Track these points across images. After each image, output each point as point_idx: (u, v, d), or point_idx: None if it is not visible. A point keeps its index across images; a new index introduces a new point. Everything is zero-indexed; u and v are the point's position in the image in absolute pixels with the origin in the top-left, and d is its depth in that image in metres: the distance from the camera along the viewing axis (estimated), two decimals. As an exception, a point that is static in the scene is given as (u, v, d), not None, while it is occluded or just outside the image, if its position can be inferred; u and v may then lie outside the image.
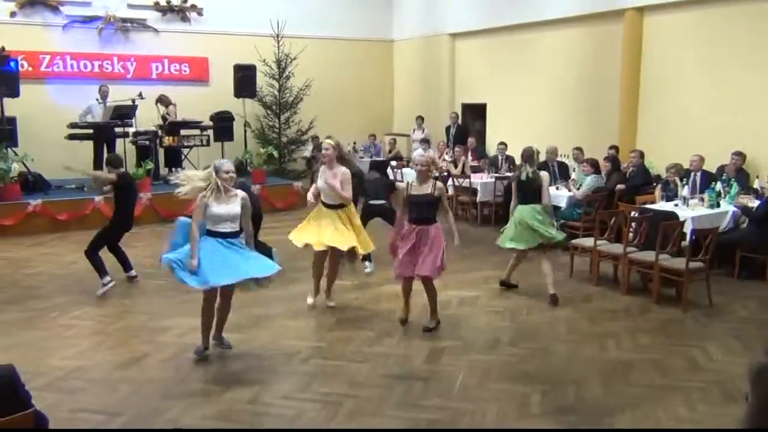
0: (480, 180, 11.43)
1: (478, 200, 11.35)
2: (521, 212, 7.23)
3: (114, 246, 7.86)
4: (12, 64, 11.56)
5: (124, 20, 13.94)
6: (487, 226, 11.30)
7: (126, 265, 7.97)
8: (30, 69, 13.03)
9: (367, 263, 8.34)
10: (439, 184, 6.24)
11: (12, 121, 11.78)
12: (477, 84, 14.66)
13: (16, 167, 10.92)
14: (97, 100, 12.35)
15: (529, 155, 7.30)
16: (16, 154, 11.26)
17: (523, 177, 7.25)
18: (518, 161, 8.05)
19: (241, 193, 5.51)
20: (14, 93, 11.49)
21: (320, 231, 6.62)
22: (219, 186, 5.41)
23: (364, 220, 7.83)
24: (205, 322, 5.69)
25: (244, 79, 14.00)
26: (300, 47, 14.89)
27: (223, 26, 14.85)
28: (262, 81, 14.78)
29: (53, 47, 13.40)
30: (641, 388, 5.18)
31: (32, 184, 11.32)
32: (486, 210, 11.64)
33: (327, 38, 15.96)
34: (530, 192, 7.20)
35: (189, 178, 5.55)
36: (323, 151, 6.69)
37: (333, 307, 6.98)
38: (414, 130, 15.13)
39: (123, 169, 7.73)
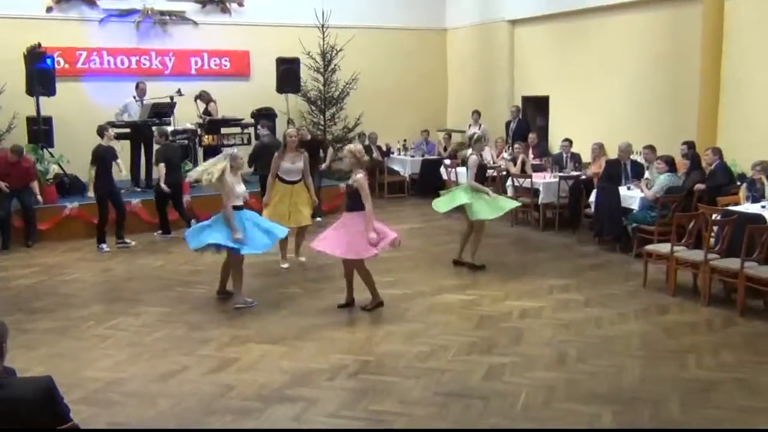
0: (542, 180, 11.30)
1: (540, 202, 11.23)
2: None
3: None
4: (48, 61, 11.93)
5: (162, 13, 14.26)
6: (551, 230, 11.19)
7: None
8: (66, 66, 13.41)
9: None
10: (360, 175, 7.04)
11: (48, 120, 12.18)
12: (538, 75, 14.51)
13: (53, 168, 11.29)
14: (134, 97, 12.65)
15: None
16: (52, 155, 11.63)
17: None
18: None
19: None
20: (50, 91, 11.88)
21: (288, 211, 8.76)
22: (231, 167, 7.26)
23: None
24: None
25: (287, 73, 14.16)
26: (346, 38, 14.97)
27: (265, 17, 15.04)
28: (306, 75, 14.93)
29: (90, 43, 13.78)
30: (725, 410, 5.04)
31: (68, 186, 11.68)
32: (549, 213, 11.51)
33: (375, 28, 16.01)
34: None
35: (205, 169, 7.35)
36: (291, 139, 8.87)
37: (304, 262, 9.14)
38: (470, 126, 15.05)
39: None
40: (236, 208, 7.28)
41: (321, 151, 12.09)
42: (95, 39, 13.83)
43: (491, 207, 8.78)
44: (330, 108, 15.34)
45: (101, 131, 10.42)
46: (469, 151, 9.25)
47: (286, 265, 9.13)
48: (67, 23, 13.59)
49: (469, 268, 8.88)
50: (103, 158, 10.12)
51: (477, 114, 15.03)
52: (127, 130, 12.34)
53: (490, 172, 12.33)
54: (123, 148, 12.08)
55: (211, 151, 13.00)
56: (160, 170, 10.54)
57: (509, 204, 9.05)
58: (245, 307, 7.40)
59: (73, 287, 8.42)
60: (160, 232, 10.97)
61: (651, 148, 10.31)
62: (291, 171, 8.96)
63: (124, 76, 13.77)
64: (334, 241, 7.09)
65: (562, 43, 13.85)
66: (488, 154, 13.39)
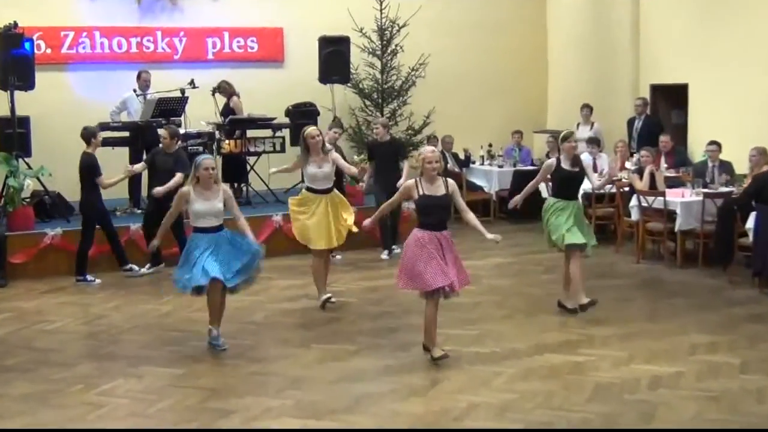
0: (680, 198, 11.15)
1: (677, 229, 11.06)
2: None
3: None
4: (26, 45, 12.27)
5: (172, -18, 14.63)
6: (692, 267, 11.03)
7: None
8: (48, 51, 13.85)
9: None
10: (451, 181, 7.70)
11: (25, 122, 12.54)
12: (673, 56, 14.34)
13: (29, 184, 11.61)
14: (135, 91, 12.98)
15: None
16: (29, 167, 11.98)
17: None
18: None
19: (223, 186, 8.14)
20: (28, 84, 12.24)
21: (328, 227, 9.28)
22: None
23: None
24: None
25: (334, 57, 14.35)
26: (412, 10, 15.09)
27: (305, -16, 15.32)
28: (358, 59, 15.11)
29: (78, 21, 14.20)
30: None
31: (49, 207, 12.02)
32: (690, 243, 11.32)
33: (450, -5, 16.16)
34: None
35: None
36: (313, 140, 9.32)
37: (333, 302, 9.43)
38: (578, 125, 14.95)
39: None
40: (200, 230, 7.92)
41: (399, 159, 12.25)
42: (85, 16, 14.25)
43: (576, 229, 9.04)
44: (390, 103, 15.45)
45: (89, 136, 10.79)
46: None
47: (328, 296, 9.50)
48: (51, -5, 14.05)
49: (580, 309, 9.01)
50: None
51: (588, 109, 14.93)
52: (126, 133, 12.65)
53: (607, 187, 12.24)
54: (117, 156, 12.33)
55: (234, 161, 13.27)
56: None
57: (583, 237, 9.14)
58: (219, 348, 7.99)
59: (56, 339, 8.59)
60: (148, 265, 11.19)
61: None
62: (317, 177, 9.37)
63: (122, 64, 14.16)
64: (462, 270, 7.68)
65: (706, 12, 13.68)
66: (605, 163, 13.30)
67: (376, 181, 11.93)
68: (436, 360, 7.54)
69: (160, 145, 11.08)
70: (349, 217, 9.54)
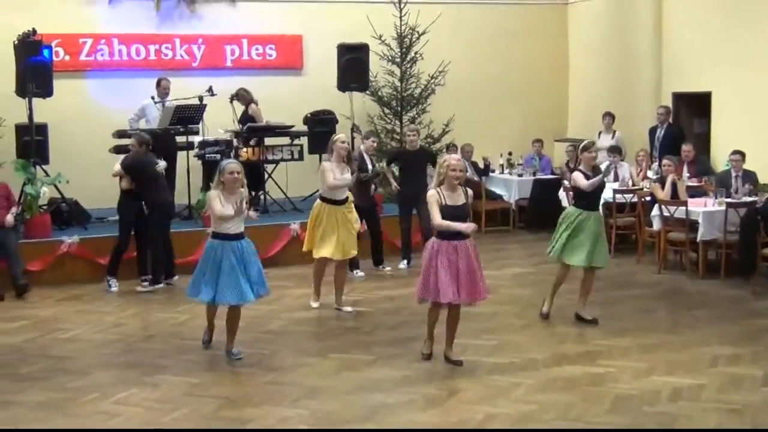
0: (702, 208, 11.11)
1: (699, 239, 11.01)
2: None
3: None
4: (45, 52, 12.37)
5: (190, -11, 14.72)
6: (714, 278, 10.99)
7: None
8: (67, 58, 13.98)
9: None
10: (469, 190, 7.83)
11: (43, 129, 12.64)
12: (697, 63, 14.28)
13: (46, 192, 11.68)
14: (153, 98, 13.04)
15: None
16: (46, 174, 12.07)
17: None
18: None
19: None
20: (47, 92, 12.31)
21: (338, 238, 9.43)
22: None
23: None
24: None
25: (353, 65, 14.37)
26: (431, 17, 15.11)
27: (324, -9, 15.38)
28: (377, 67, 15.14)
29: (97, 28, 14.32)
30: None
31: (66, 215, 12.09)
32: (712, 254, 11.27)
33: (470, 3, 16.14)
34: None
35: None
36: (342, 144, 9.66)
37: (349, 312, 9.65)
38: (600, 134, 14.91)
39: None
40: (220, 237, 7.88)
41: (431, 166, 12.18)
42: (104, 23, 14.37)
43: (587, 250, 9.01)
44: (409, 111, 15.46)
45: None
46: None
47: (316, 305, 9.87)
48: (69, 3, 14.15)
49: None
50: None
51: (610, 117, 14.87)
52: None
53: (628, 197, 12.22)
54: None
55: (252, 168, 13.31)
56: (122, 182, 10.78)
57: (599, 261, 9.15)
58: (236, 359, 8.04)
59: (72, 348, 8.65)
60: (144, 281, 10.94)
61: None
62: (338, 188, 9.54)
63: (140, 71, 14.26)
64: (476, 283, 7.63)
65: (730, 19, 13.62)
66: (626, 172, 13.26)
67: (404, 190, 11.89)
68: (424, 354, 7.92)
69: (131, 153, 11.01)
70: (353, 233, 9.70)
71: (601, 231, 9.09)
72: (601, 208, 11.90)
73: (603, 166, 10.25)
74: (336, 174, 9.50)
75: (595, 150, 9.26)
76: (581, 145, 9.33)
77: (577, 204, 9.12)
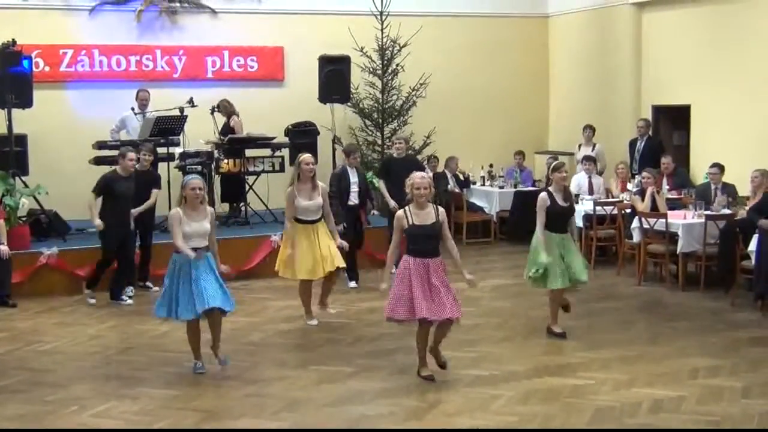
0: (681, 220, 11.16)
1: (679, 251, 11.07)
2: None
3: None
4: (25, 63, 12.34)
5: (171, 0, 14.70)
6: (694, 289, 11.02)
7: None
8: (47, 69, 13.92)
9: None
10: (441, 209, 7.76)
11: (22, 140, 12.61)
12: (676, 76, 14.39)
13: (25, 203, 11.63)
14: (133, 110, 13.02)
15: None
16: (26, 185, 12.03)
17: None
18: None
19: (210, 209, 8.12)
20: (27, 102, 12.29)
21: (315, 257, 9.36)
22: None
23: None
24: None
25: (334, 77, 14.39)
26: (413, 29, 15.14)
27: (305, 3, 15.36)
28: (358, 78, 15.16)
29: (77, 39, 14.27)
30: None
31: (46, 226, 12.02)
32: (691, 266, 11.32)
33: (451, 15, 16.21)
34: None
35: None
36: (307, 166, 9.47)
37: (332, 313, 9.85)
38: (580, 147, 14.98)
39: None
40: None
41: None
42: (84, 34, 14.33)
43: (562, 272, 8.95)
44: (390, 122, 15.49)
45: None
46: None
47: (314, 322, 9.70)
48: (49, 14, 14.13)
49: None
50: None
51: (590, 130, 14.93)
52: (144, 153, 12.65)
53: (608, 209, 12.28)
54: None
55: (232, 180, 13.32)
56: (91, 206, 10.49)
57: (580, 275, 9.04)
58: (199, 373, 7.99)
59: (51, 360, 8.60)
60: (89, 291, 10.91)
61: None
62: (309, 210, 9.48)
63: (120, 82, 14.24)
64: (439, 301, 7.50)
65: (710, 31, 13.73)
66: (600, 183, 13.39)
67: (392, 198, 11.79)
68: (421, 377, 7.72)
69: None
70: (334, 248, 9.57)
71: (569, 250, 8.97)
72: (581, 220, 12.07)
73: (579, 178, 10.17)
74: (301, 200, 9.38)
75: (565, 171, 9.11)
76: (552, 165, 9.29)
77: (549, 227, 8.93)
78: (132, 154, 10.62)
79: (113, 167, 10.89)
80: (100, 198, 10.51)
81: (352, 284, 11.44)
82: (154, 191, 11.12)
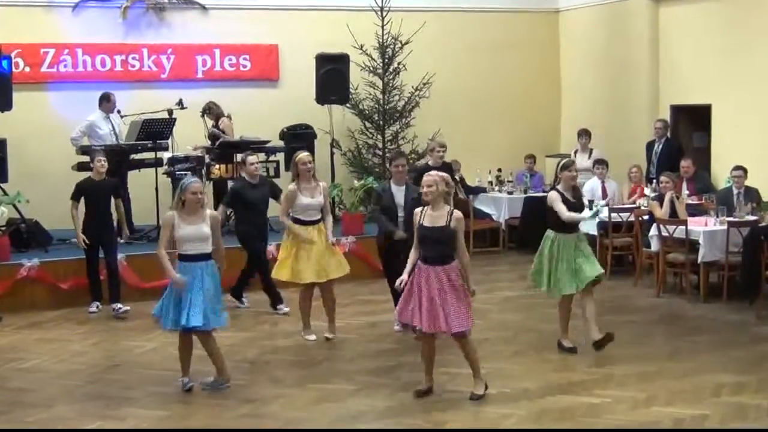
0: (703, 228, 11.15)
1: (700, 260, 11.05)
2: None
3: None
4: (4, 63, 12.36)
5: (159, -5, 14.72)
6: (716, 301, 11.01)
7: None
8: (27, 69, 13.92)
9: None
10: (457, 213, 7.54)
11: (1, 145, 12.52)
12: (696, 75, 14.38)
13: (4, 212, 11.60)
14: (120, 113, 13.00)
15: None
16: (5, 193, 12.01)
17: None
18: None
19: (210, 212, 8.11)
20: (6, 105, 12.29)
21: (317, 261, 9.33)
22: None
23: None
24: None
25: (332, 76, 14.40)
26: (415, 26, 15.15)
27: (302, -2, 15.42)
28: (357, 78, 15.16)
29: (59, 37, 14.26)
30: None
31: (26, 236, 12.01)
32: (714, 276, 11.31)
33: (456, 10, 16.23)
34: None
35: None
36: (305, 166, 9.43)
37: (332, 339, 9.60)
38: (575, 152, 14.84)
39: None
40: (185, 258, 7.93)
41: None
42: (67, 32, 14.34)
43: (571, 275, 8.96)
44: (392, 125, 15.48)
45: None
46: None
47: (312, 337, 9.69)
48: (30, 11, 14.14)
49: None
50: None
51: (586, 136, 14.83)
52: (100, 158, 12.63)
53: (624, 215, 12.27)
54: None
55: (223, 186, 13.30)
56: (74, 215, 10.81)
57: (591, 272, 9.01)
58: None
59: (32, 379, 8.57)
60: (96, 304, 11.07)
61: None
62: (310, 208, 9.49)
63: (105, 83, 14.17)
64: (432, 312, 7.43)
65: (731, 26, 13.73)
66: (614, 187, 13.41)
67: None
68: (420, 392, 7.73)
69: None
70: (338, 253, 9.72)
71: (580, 251, 8.99)
72: (596, 227, 12.05)
73: (591, 184, 10.16)
74: (303, 198, 9.42)
75: (575, 169, 9.16)
76: (561, 163, 9.32)
77: (553, 227, 9.02)
78: (102, 158, 10.83)
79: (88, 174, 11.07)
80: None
81: None
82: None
